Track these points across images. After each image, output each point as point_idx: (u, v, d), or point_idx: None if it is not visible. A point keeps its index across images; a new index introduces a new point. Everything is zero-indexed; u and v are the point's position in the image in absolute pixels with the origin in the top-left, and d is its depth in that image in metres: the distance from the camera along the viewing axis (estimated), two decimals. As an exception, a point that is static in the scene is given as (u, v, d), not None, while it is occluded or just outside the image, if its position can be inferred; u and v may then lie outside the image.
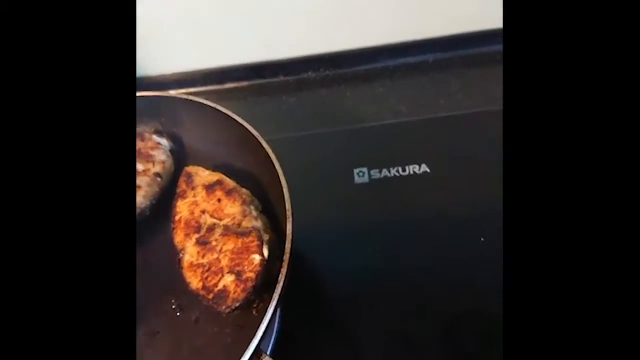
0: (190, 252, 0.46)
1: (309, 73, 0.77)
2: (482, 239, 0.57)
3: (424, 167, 0.63)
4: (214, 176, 0.50)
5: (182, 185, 0.50)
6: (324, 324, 0.54)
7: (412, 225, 0.60)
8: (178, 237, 0.48)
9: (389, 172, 0.64)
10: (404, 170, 0.63)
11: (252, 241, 0.44)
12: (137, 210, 0.51)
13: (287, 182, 0.46)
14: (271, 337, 0.51)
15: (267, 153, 0.49)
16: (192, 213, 0.48)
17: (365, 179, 0.64)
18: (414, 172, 0.63)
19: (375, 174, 0.64)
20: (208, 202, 0.48)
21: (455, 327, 0.52)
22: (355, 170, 0.65)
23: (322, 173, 0.67)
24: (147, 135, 0.55)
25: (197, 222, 0.47)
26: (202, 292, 0.44)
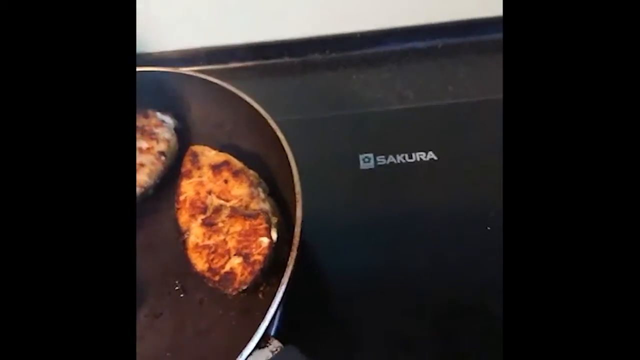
0: (195, 233, 0.45)
1: (315, 55, 0.75)
2: (488, 228, 0.56)
3: (431, 155, 0.62)
4: (221, 157, 0.49)
5: (187, 164, 0.49)
6: (325, 310, 0.53)
7: (417, 212, 0.59)
8: (183, 218, 0.47)
9: (395, 158, 0.63)
10: (410, 157, 0.62)
11: (260, 224, 0.43)
12: (141, 190, 0.50)
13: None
14: (274, 321, 0.50)
15: (277, 135, 0.48)
16: (197, 193, 0.47)
17: (371, 164, 0.63)
18: (420, 159, 0.62)
19: (381, 160, 0.63)
20: (214, 183, 0.47)
21: (457, 322, 0.52)
22: (361, 156, 0.64)
23: (327, 158, 0.65)
24: (150, 112, 0.54)
25: (203, 202, 0.46)
26: (207, 274, 0.43)
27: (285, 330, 0.50)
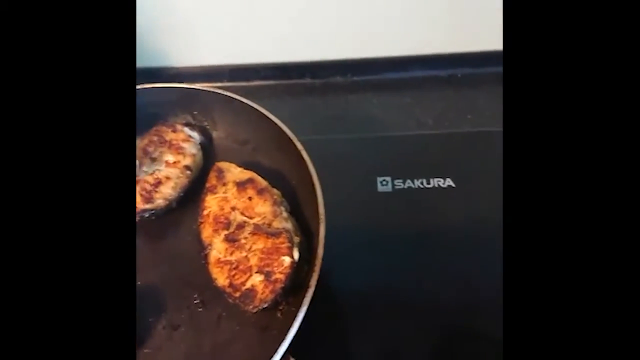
0: (218, 248, 0.46)
1: (337, 77, 0.77)
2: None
3: (449, 182, 0.63)
4: (246, 174, 0.50)
5: (212, 180, 0.50)
6: (337, 330, 0.53)
7: (432, 238, 0.60)
8: (206, 232, 0.47)
9: (413, 183, 0.64)
10: (428, 183, 0.63)
11: (283, 242, 0.44)
12: (165, 202, 0.51)
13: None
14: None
15: (301, 154, 0.49)
16: (221, 209, 0.48)
17: (389, 188, 0.64)
18: (438, 185, 0.63)
19: (398, 183, 0.64)
20: (239, 200, 0.48)
21: (472, 344, 0.52)
22: (379, 179, 0.64)
23: (346, 179, 0.66)
24: (178, 127, 0.55)
25: (226, 218, 0.47)
26: (228, 290, 0.44)
27: (299, 349, 0.50)
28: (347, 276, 0.58)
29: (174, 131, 0.54)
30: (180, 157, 0.52)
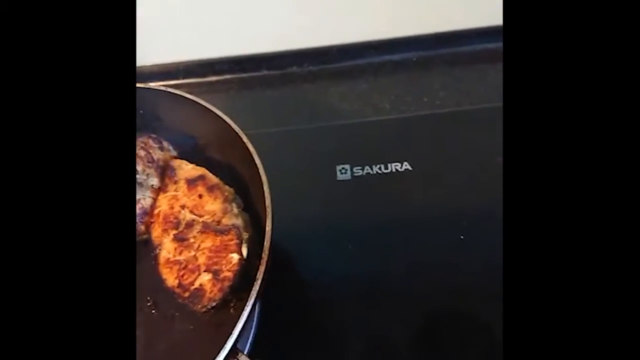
0: (167, 248, 0.45)
1: (293, 68, 0.76)
2: (461, 237, 0.57)
3: (406, 165, 0.63)
4: (197, 171, 0.49)
5: (164, 178, 0.49)
6: (302, 323, 0.53)
7: (393, 223, 0.60)
8: (156, 232, 0.47)
9: (372, 169, 0.64)
10: (386, 168, 0.63)
11: (231, 239, 0.43)
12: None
13: (267, 179, 0.45)
14: (249, 337, 0.50)
15: (248, 148, 0.48)
16: (171, 208, 0.47)
17: (348, 176, 0.64)
18: (396, 169, 0.63)
19: (357, 171, 0.64)
20: (189, 197, 0.47)
21: (435, 329, 0.52)
22: (338, 167, 0.64)
23: (305, 169, 0.66)
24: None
25: (176, 217, 0.46)
26: (177, 290, 0.43)
27: (259, 345, 0.50)
28: (309, 267, 0.58)
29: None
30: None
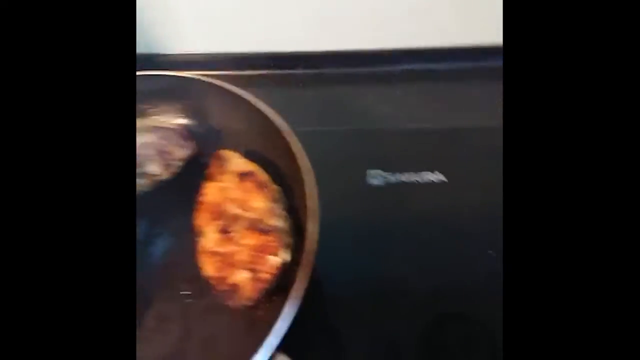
0: (209, 238, 0.45)
1: (330, 68, 0.76)
2: (489, 252, 0.57)
3: (441, 176, 0.63)
4: (249, 166, 0.49)
5: (213, 167, 0.49)
6: (320, 325, 0.53)
7: (422, 232, 0.60)
8: (199, 220, 0.47)
9: (404, 176, 0.64)
10: (419, 177, 0.63)
11: (273, 241, 0.43)
12: (154, 180, 0.50)
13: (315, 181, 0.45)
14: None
15: (295, 146, 0.48)
16: (219, 198, 0.47)
17: (379, 181, 0.64)
18: (429, 179, 0.63)
19: (389, 177, 0.64)
20: (237, 191, 0.47)
21: (455, 343, 0.52)
22: (369, 172, 0.64)
23: (335, 171, 0.65)
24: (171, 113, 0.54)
25: (222, 208, 0.46)
26: (213, 282, 0.43)
27: (292, 344, 0.50)
28: (337, 271, 0.58)
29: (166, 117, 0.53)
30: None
